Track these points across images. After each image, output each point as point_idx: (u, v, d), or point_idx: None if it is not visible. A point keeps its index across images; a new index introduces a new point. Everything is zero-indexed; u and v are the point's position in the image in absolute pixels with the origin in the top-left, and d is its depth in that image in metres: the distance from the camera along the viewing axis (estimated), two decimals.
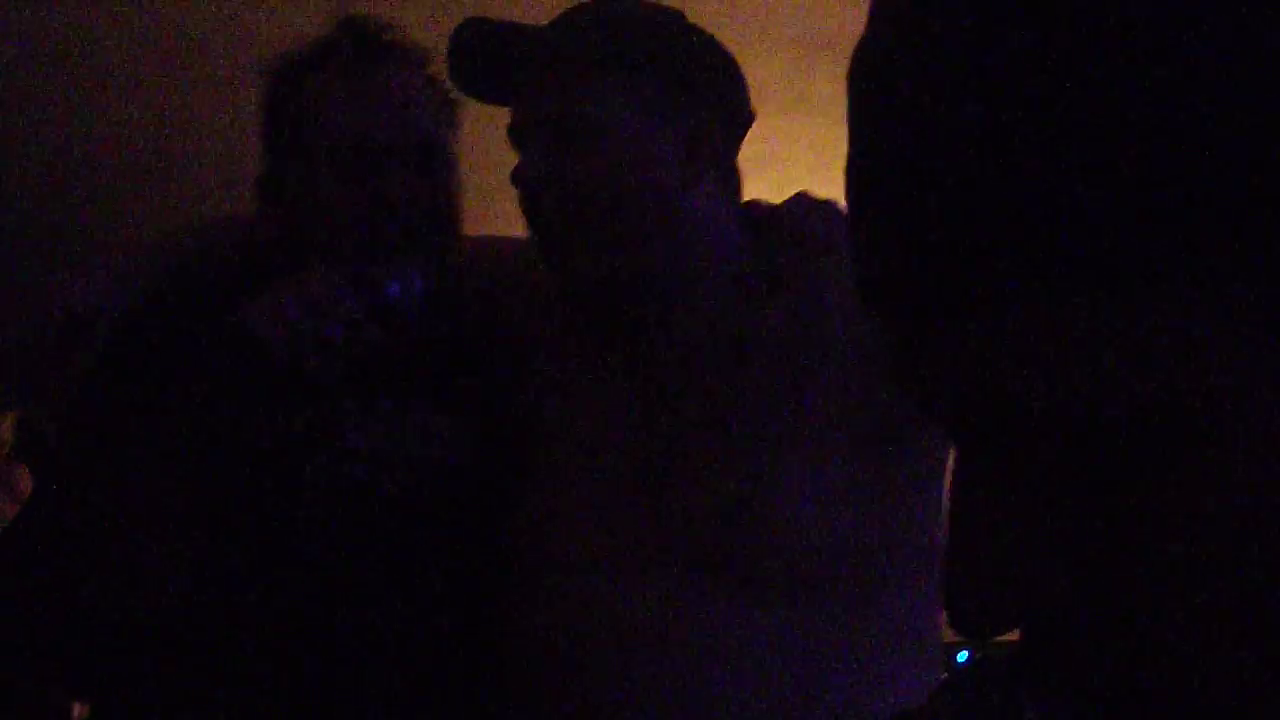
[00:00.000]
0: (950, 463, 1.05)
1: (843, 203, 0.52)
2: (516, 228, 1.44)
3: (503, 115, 1.37)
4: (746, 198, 1.44)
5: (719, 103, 1.37)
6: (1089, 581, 0.41)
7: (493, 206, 1.58)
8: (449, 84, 1.45)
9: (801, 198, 1.43)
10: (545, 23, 1.37)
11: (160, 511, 1.29)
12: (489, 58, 1.36)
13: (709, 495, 1.28)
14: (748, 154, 1.41)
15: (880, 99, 0.44)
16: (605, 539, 1.30)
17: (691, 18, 1.40)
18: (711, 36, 1.38)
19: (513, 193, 1.35)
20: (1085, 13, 0.38)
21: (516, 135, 1.35)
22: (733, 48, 1.39)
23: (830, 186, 0.89)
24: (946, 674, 0.89)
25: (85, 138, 3.88)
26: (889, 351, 0.46)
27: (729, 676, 1.23)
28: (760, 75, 1.66)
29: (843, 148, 0.50)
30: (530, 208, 1.35)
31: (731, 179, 1.39)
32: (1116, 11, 0.38)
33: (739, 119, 1.39)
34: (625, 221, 1.31)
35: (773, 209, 1.42)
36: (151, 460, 1.29)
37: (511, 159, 1.35)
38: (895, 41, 0.44)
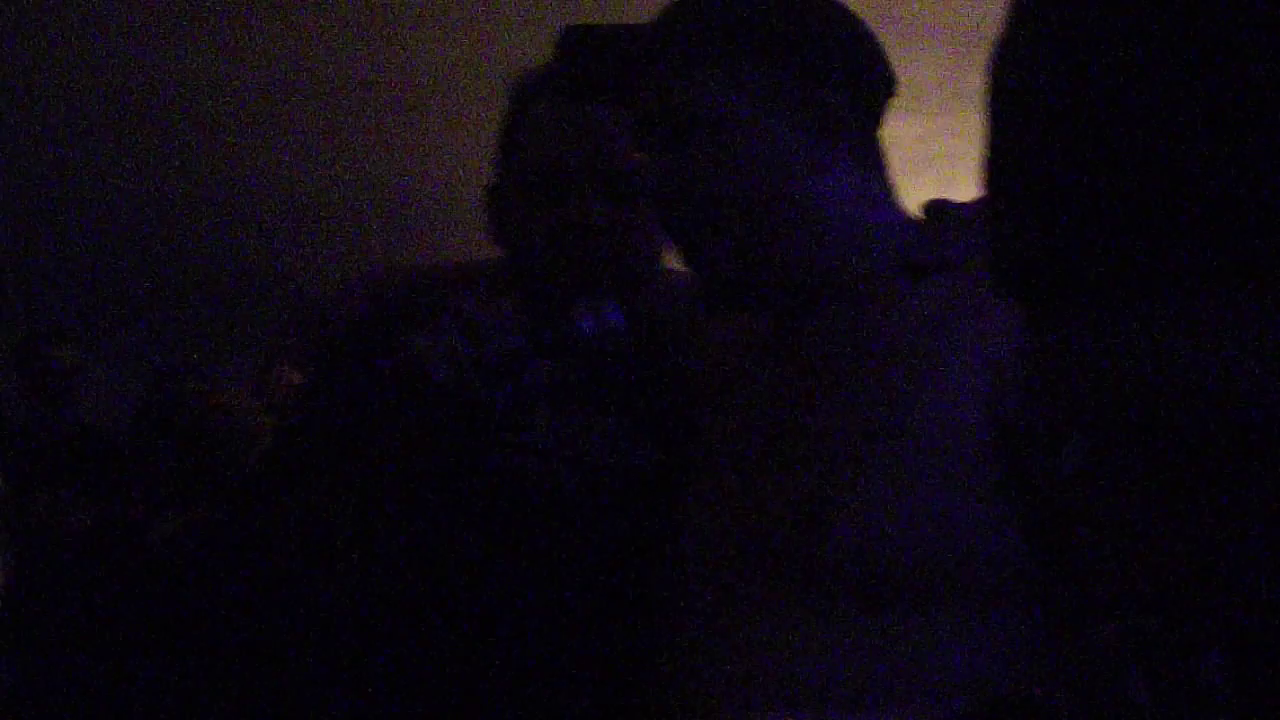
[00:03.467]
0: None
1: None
2: None
3: None
4: (910, 200, 1.38)
5: (846, 76, 1.30)
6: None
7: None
8: None
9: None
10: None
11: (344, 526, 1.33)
12: (596, 61, 1.37)
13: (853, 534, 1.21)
14: (908, 156, 1.38)
15: (1032, 86, 0.43)
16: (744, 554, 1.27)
17: None
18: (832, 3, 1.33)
19: None
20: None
21: (635, 139, 1.34)
22: (887, 49, 1.36)
23: None
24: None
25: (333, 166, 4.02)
26: (1026, 340, 0.45)
27: None
28: (916, 76, 1.63)
29: None
30: (660, 214, 1.33)
31: (872, 154, 1.33)
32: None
33: (874, 88, 1.33)
34: (754, 216, 1.28)
35: (957, 205, 1.35)
36: (341, 484, 1.34)
37: None
38: (1041, 33, 0.43)
